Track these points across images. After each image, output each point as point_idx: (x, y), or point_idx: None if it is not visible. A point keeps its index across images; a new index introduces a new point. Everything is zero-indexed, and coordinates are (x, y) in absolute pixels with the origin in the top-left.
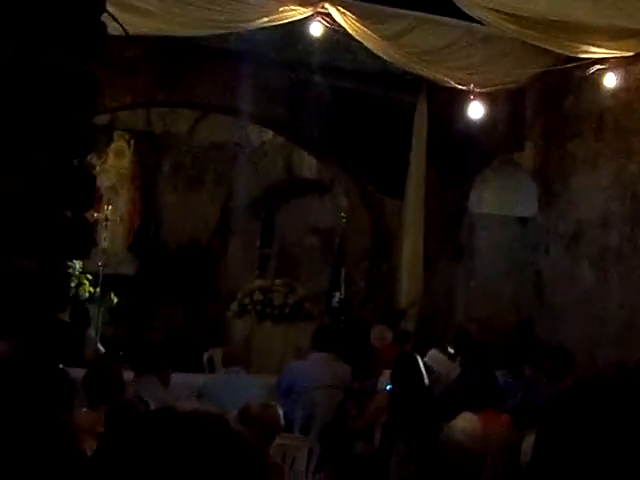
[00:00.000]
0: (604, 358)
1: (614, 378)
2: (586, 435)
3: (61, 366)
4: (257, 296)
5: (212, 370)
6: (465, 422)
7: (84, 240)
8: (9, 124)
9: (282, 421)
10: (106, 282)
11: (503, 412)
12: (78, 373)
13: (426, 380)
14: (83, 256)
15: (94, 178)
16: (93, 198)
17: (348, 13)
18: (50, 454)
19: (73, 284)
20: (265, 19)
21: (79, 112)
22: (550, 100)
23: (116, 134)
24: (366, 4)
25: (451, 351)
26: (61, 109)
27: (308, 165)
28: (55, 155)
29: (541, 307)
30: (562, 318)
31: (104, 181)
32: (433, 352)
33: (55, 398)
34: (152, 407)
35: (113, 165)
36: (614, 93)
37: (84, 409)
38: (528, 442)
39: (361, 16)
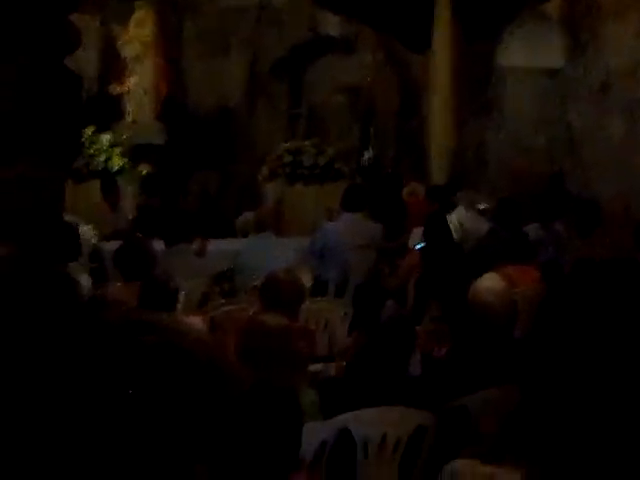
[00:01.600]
0: (637, 210)
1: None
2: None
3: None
4: (287, 158)
5: (246, 235)
6: (490, 281)
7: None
8: None
9: (306, 285)
10: (136, 153)
11: (533, 267)
12: (114, 246)
13: (456, 236)
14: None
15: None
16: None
17: None
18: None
19: (102, 158)
20: None
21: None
22: None
23: (136, 3)
24: None
25: (482, 206)
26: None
27: (332, 23)
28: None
29: (572, 160)
30: (594, 171)
31: (128, 51)
32: (459, 209)
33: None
34: (184, 279)
35: (135, 35)
36: None
37: (118, 284)
38: None
39: None
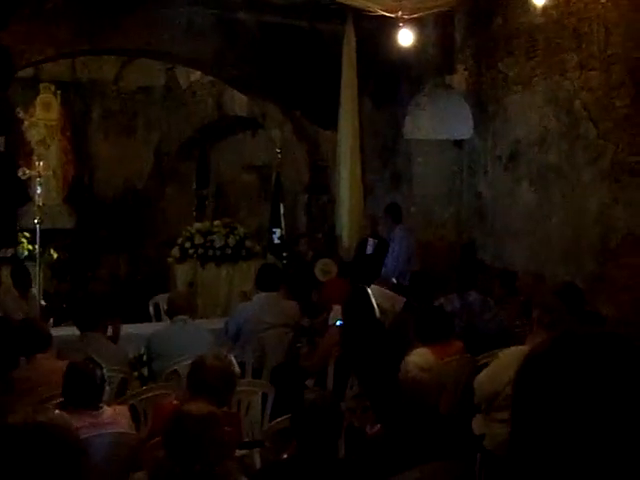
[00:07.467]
0: (550, 277)
1: (593, 334)
2: (565, 399)
3: None
4: (197, 239)
5: (159, 318)
6: (419, 357)
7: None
8: None
9: (237, 369)
10: (45, 237)
11: (454, 340)
12: None
13: (377, 313)
14: None
15: None
16: None
17: None
18: None
19: None
20: None
21: None
22: (479, 21)
23: (41, 86)
24: None
25: (394, 281)
26: None
27: (239, 102)
28: None
29: (483, 229)
30: (506, 239)
31: (34, 135)
32: (374, 286)
33: None
34: (103, 366)
35: (41, 118)
36: (543, 11)
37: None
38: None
39: None
